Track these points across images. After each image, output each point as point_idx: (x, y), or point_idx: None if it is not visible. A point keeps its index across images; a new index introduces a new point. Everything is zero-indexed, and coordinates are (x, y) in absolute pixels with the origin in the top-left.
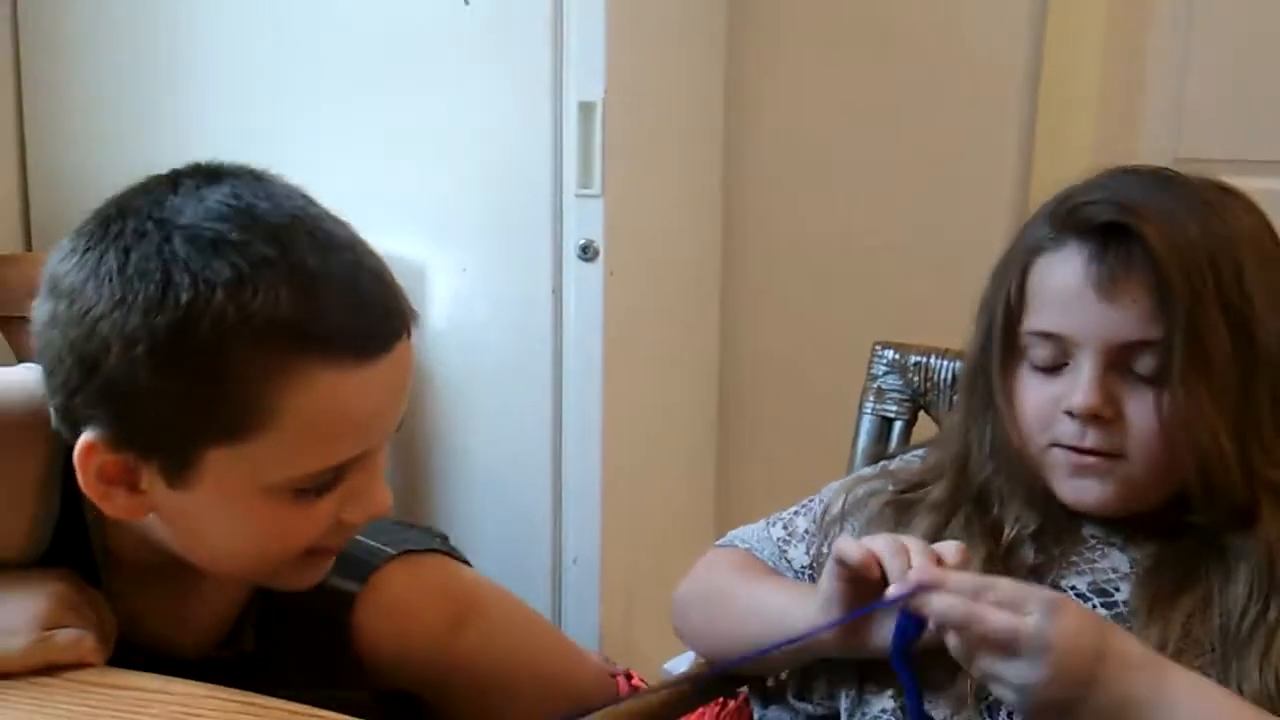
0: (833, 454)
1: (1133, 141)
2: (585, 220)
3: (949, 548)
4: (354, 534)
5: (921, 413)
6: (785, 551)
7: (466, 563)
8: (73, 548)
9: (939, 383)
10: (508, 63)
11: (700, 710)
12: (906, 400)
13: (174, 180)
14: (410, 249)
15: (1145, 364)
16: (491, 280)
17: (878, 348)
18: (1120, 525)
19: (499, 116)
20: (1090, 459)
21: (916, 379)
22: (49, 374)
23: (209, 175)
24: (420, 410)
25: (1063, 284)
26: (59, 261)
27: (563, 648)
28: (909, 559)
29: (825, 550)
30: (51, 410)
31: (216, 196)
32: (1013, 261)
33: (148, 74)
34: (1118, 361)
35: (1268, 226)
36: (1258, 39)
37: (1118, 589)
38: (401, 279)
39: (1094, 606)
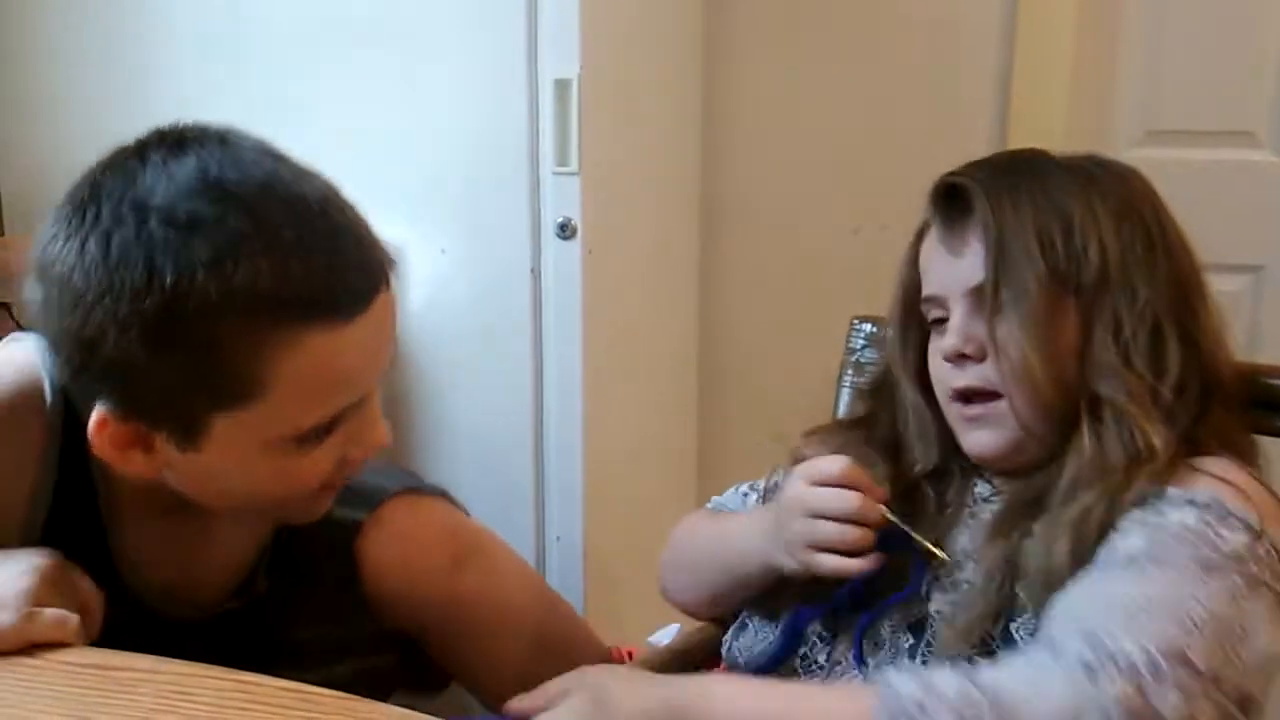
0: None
1: (1106, 117)
2: (563, 198)
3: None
4: (358, 469)
5: None
6: (745, 501)
7: (467, 514)
8: (77, 502)
9: None
10: (482, 40)
11: None
12: None
13: (141, 154)
14: (387, 230)
15: (985, 303)
16: (470, 260)
17: (856, 322)
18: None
19: (474, 95)
20: (975, 407)
21: None
22: (52, 353)
23: (174, 146)
24: (401, 391)
25: (930, 252)
26: (44, 248)
27: (561, 606)
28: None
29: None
30: (48, 382)
31: (185, 172)
32: (910, 247)
33: (117, 51)
34: (979, 307)
35: (1140, 193)
36: (1229, 11)
37: None
38: None
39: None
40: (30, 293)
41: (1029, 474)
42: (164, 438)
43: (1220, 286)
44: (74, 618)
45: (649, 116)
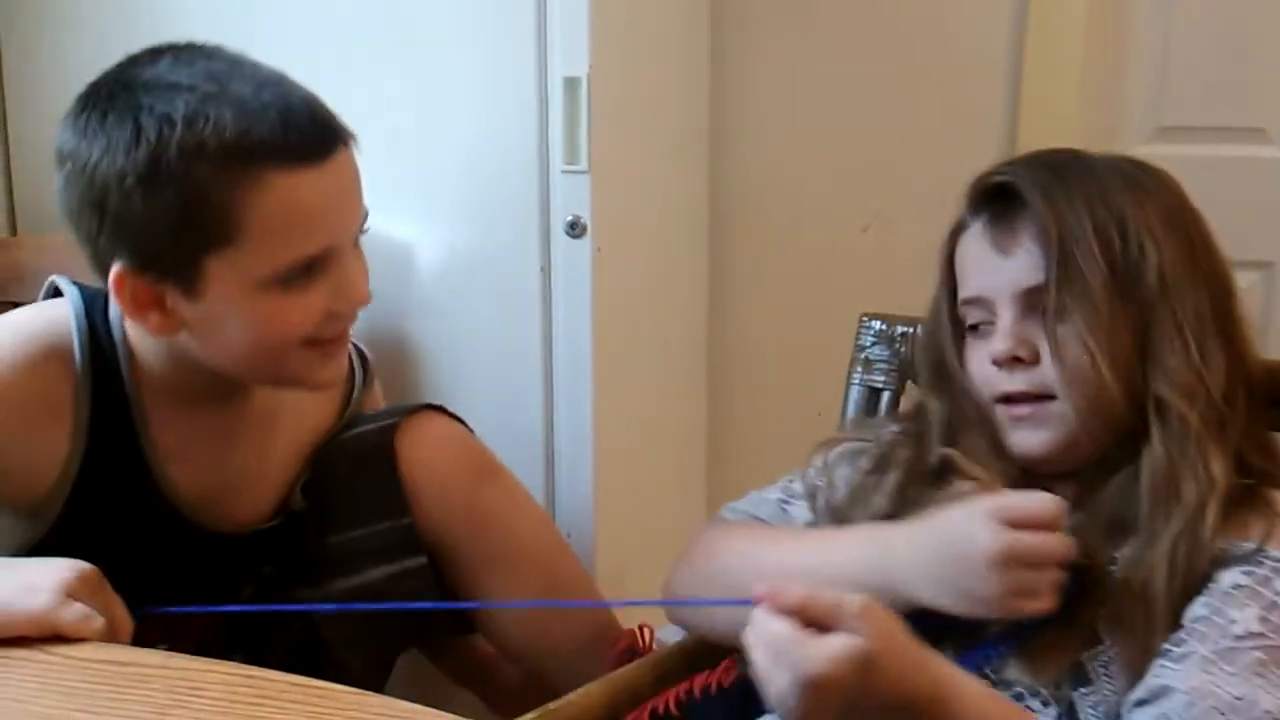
0: (822, 425)
1: (1116, 114)
2: (572, 197)
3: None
4: (346, 325)
5: (909, 383)
6: (787, 510)
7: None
8: (113, 421)
9: None
10: (490, 38)
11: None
12: (894, 370)
13: (131, 60)
14: (396, 229)
15: (1047, 306)
16: (479, 258)
17: (865, 319)
18: (1071, 489)
19: (483, 93)
20: (1022, 408)
21: (904, 349)
22: (75, 230)
23: (154, 52)
24: (409, 389)
25: (973, 252)
26: (58, 137)
27: (567, 549)
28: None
29: (820, 505)
30: (75, 321)
31: (164, 61)
32: (944, 246)
33: (127, 52)
34: (1030, 309)
35: (1180, 196)
36: (1239, 6)
37: None
38: (388, 259)
39: None
40: (57, 179)
41: (1083, 478)
42: (171, 291)
43: None
44: (100, 618)
45: (658, 114)
